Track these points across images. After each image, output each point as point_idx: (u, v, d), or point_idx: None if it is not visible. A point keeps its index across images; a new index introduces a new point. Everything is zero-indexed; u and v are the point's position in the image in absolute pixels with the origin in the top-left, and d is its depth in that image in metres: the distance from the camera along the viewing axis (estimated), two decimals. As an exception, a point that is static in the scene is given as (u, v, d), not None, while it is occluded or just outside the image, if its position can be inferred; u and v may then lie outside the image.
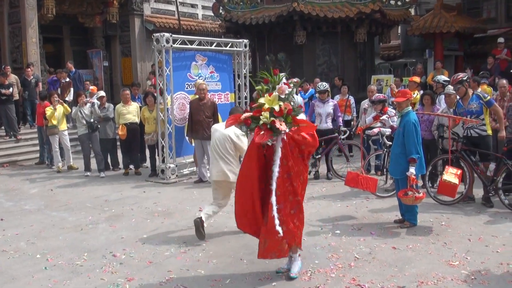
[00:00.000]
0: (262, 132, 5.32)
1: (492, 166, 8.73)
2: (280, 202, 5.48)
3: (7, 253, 6.88)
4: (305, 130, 5.56)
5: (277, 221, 5.38)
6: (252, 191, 5.67)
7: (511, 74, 12.41)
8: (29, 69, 16.46)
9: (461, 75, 8.79)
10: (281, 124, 5.24)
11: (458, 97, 8.70)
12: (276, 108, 5.31)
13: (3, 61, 18.18)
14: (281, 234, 5.37)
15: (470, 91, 8.76)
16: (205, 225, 7.01)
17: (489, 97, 8.57)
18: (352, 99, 13.03)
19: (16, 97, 15.69)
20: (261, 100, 5.45)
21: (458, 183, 7.95)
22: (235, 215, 6.01)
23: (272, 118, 5.29)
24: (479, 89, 10.42)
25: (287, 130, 5.36)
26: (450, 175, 7.92)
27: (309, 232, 7.26)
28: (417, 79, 11.99)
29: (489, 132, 8.55)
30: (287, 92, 5.44)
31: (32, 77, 16.38)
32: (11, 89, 15.03)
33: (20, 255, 6.79)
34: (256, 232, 5.82)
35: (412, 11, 22.41)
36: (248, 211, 5.79)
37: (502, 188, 8.17)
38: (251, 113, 5.46)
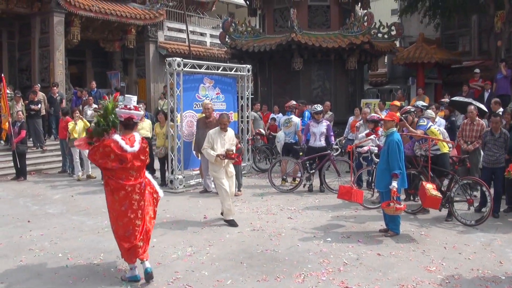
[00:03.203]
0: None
1: (446, 181, 8.90)
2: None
3: (33, 251, 6.86)
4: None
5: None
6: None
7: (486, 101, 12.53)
8: (55, 88, 16.54)
9: (408, 107, 9.70)
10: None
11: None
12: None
13: (33, 80, 18.27)
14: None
15: (416, 120, 9.25)
16: None
17: (421, 123, 8.97)
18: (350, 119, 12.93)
19: (43, 112, 15.73)
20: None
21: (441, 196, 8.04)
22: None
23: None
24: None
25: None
26: (433, 189, 7.93)
27: (302, 239, 7.27)
28: (397, 103, 12.04)
29: (444, 150, 8.75)
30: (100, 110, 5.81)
31: (57, 95, 16.45)
32: (39, 105, 15.10)
33: (45, 254, 6.77)
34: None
35: (397, 43, 22.51)
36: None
37: (454, 201, 8.28)
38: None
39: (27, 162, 13.42)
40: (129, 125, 5.75)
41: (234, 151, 8.25)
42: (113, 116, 5.73)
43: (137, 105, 5.92)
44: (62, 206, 9.76)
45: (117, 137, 5.61)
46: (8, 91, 14.91)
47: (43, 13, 18.17)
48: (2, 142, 15.19)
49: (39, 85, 16.80)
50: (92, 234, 7.61)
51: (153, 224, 6.05)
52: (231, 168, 8.34)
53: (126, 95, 6.03)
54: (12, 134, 12.92)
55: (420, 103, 10.87)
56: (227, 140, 8.30)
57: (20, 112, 13.50)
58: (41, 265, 6.29)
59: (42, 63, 18.47)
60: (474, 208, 8.59)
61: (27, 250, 6.92)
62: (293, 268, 6.05)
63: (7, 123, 13.53)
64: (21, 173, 12.96)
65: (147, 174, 6.07)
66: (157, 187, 6.17)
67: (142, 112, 6.03)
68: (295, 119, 11.92)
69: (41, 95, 15.80)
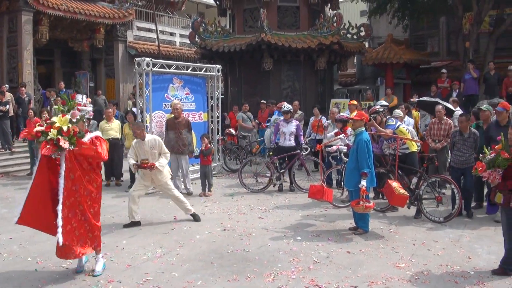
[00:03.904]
0: (48, 146, 5.50)
1: (414, 179, 9.03)
2: (70, 211, 5.66)
3: (2, 256, 6.72)
4: (86, 151, 5.73)
5: (60, 229, 5.52)
6: (45, 199, 5.78)
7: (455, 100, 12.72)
8: (23, 88, 16.24)
9: (377, 107, 9.69)
10: (64, 143, 5.48)
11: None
12: (65, 128, 5.54)
13: (1, 81, 17.88)
14: (61, 241, 5.51)
15: (384, 119, 9.32)
16: None
17: (389, 123, 9.09)
18: (324, 119, 12.98)
19: (11, 113, 15.40)
20: (54, 119, 5.64)
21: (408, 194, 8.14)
22: (22, 213, 5.74)
23: (58, 136, 5.49)
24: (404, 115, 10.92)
25: (70, 148, 5.57)
26: (399, 188, 8.02)
27: (273, 238, 7.28)
28: (355, 102, 12.30)
29: (412, 149, 8.92)
30: (78, 117, 5.77)
31: (25, 95, 16.14)
32: (7, 106, 14.77)
33: (14, 258, 6.64)
34: (43, 228, 5.92)
35: (366, 44, 22.76)
36: (39, 215, 5.80)
37: (423, 199, 8.41)
38: (43, 128, 5.57)
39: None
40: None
41: (150, 161, 8.07)
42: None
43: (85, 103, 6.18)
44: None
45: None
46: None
47: (11, 12, 17.83)
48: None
49: (7, 85, 16.44)
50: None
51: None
52: (161, 176, 8.19)
53: (77, 95, 6.29)
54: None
55: (380, 102, 11.00)
56: (148, 148, 8.18)
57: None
58: (10, 270, 6.16)
59: (10, 63, 18.12)
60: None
61: (-6, 255, 6.77)
62: (264, 267, 6.04)
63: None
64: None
65: None
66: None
67: (88, 109, 6.19)
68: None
69: (9, 96, 15.46)
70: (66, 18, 18.85)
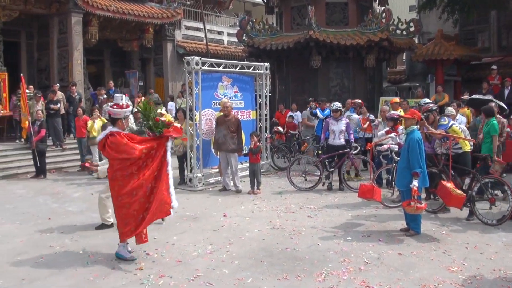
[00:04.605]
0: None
1: (467, 180, 8.76)
2: None
3: (54, 248, 6.92)
4: None
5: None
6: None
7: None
8: (74, 87, 16.69)
9: (430, 105, 9.36)
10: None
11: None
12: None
13: (52, 80, 18.41)
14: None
15: (438, 118, 9.03)
16: None
17: (442, 122, 8.79)
18: (372, 117, 12.86)
19: (62, 111, 15.87)
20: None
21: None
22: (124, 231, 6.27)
23: None
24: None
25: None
26: (455, 189, 7.84)
27: (323, 237, 7.24)
28: (397, 99, 12.10)
29: (465, 149, 8.63)
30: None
31: (76, 94, 16.58)
32: (58, 105, 15.25)
33: (65, 251, 6.83)
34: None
35: (416, 39, 22.31)
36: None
37: (475, 200, 8.17)
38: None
39: (47, 160, 13.56)
40: (113, 121, 6.47)
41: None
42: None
43: (122, 103, 6.50)
44: (82, 204, 9.83)
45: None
46: (28, 91, 15.09)
47: (61, 14, 18.31)
48: (22, 140, 15.40)
49: (58, 84, 16.93)
50: (112, 232, 7.58)
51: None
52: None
53: (115, 95, 6.74)
54: (32, 133, 13.05)
55: (424, 100, 10.79)
56: None
57: (40, 111, 13.62)
58: (62, 262, 6.34)
59: (60, 63, 18.62)
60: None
61: (47, 247, 6.98)
62: (314, 267, 6.02)
63: (27, 122, 13.71)
64: (41, 171, 13.11)
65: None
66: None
67: (123, 110, 6.45)
68: (355, 117, 12.28)
69: (60, 95, 15.95)
70: (115, 18, 19.24)
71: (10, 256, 6.62)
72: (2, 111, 16.47)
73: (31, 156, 13.37)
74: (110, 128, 6.38)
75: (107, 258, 6.44)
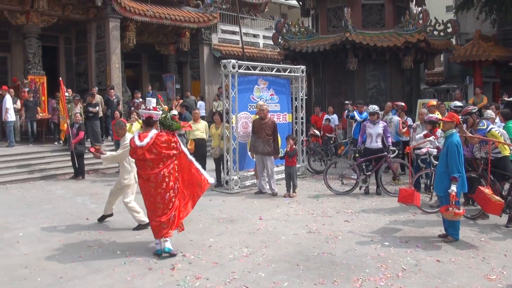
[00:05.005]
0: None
1: (507, 185, 8.51)
2: None
3: (92, 248, 7.06)
4: None
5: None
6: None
7: None
8: (112, 91, 16.97)
9: (470, 107, 9.11)
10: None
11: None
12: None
13: (90, 84, 18.81)
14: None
15: (477, 121, 8.78)
16: None
17: (480, 126, 8.52)
18: (410, 121, 12.70)
19: (101, 114, 16.16)
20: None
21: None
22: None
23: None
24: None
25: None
26: (493, 195, 7.66)
27: (359, 242, 7.17)
28: (434, 102, 11.87)
29: (505, 153, 8.40)
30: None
31: (114, 97, 16.86)
32: (97, 108, 15.52)
33: (103, 250, 6.96)
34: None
35: (454, 40, 21.91)
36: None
37: None
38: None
39: (85, 162, 13.80)
40: (149, 123, 6.75)
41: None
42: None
43: (156, 106, 6.87)
44: (119, 204, 9.88)
45: (135, 134, 6.76)
46: (67, 94, 15.42)
47: (99, 19, 18.74)
48: (61, 142, 15.77)
49: (96, 88, 17.26)
50: (149, 232, 7.63)
51: (185, 214, 7.01)
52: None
53: (147, 98, 7.12)
54: (71, 135, 13.30)
55: (455, 103, 10.58)
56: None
57: (78, 114, 13.87)
58: (100, 262, 6.46)
59: (98, 67, 19.02)
60: None
61: (85, 247, 7.13)
62: (351, 272, 5.96)
63: (65, 125, 14.00)
64: (79, 172, 13.35)
65: (197, 165, 7.07)
66: (205, 175, 7.17)
67: (160, 112, 6.84)
68: (395, 119, 12.19)
69: (98, 98, 16.25)
70: (152, 23, 19.54)
71: (49, 255, 6.79)
72: (41, 114, 16.95)
73: (69, 158, 13.64)
74: (154, 131, 6.71)
75: (144, 259, 6.52)
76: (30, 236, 7.77)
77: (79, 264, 6.41)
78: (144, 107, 6.98)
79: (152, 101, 6.90)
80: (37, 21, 17.35)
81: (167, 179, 6.62)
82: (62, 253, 6.86)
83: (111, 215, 8.66)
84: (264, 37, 26.26)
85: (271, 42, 22.74)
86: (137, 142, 6.56)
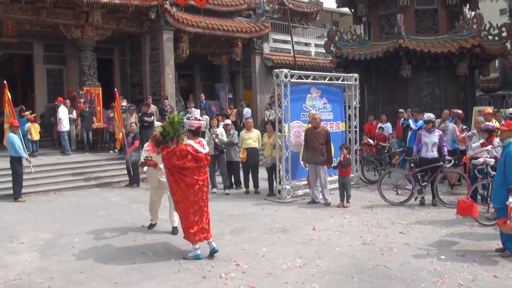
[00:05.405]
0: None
1: None
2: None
3: (147, 255, 7.16)
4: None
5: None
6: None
7: None
8: (166, 101, 17.25)
9: None
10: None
11: None
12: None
13: (145, 94, 19.21)
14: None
15: None
16: None
17: None
18: (464, 128, 12.39)
19: (155, 124, 16.43)
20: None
21: None
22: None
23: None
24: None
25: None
26: None
27: (415, 255, 6.98)
28: (489, 110, 11.46)
29: None
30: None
31: (168, 107, 17.13)
32: (152, 117, 15.80)
33: (158, 257, 7.05)
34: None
35: (508, 45, 21.22)
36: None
37: None
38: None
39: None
40: (198, 132, 7.13)
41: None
42: (177, 128, 7.07)
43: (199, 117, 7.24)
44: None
45: (191, 142, 6.94)
46: (123, 104, 15.80)
47: (152, 31, 19.17)
48: (116, 151, 16.16)
49: (150, 98, 17.60)
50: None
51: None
52: (163, 178, 7.95)
53: (192, 109, 7.31)
54: (126, 144, 13.59)
55: (509, 111, 10.20)
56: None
57: (134, 124, 14.17)
58: (154, 268, 6.55)
59: (153, 78, 19.42)
60: None
61: (140, 253, 7.25)
62: (406, 286, 5.82)
63: (121, 134, 14.34)
64: (134, 180, 13.61)
65: None
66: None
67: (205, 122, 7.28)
68: (451, 126, 12.05)
69: (153, 108, 16.54)
70: (205, 34, 19.81)
71: (104, 261, 6.94)
72: (96, 124, 17.45)
73: (124, 166, 13.98)
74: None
75: (198, 267, 6.56)
76: (85, 242, 7.97)
77: (133, 270, 6.52)
78: (188, 116, 7.21)
79: (197, 112, 7.31)
80: (92, 34, 17.90)
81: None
82: (117, 259, 7.00)
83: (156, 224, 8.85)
84: (316, 45, 26.18)
85: (322, 50, 22.67)
86: (201, 149, 6.96)
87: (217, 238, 7.86)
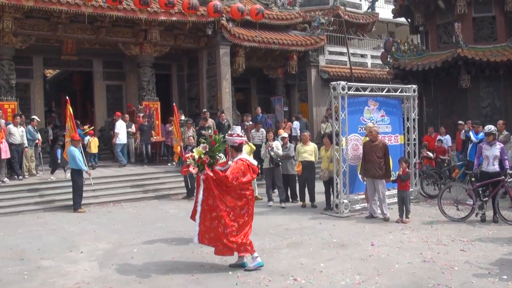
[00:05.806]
0: (186, 169, 7.06)
1: None
2: (211, 222, 6.99)
3: (204, 267, 7.24)
4: (216, 175, 6.88)
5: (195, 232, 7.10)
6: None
7: None
8: (223, 114, 17.46)
9: None
10: (193, 168, 6.86)
11: None
12: (196, 157, 6.93)
13: (201, 108, 19.49)
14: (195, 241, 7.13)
15: None
16: None
17: None
18: None
19: (213, 137, 16.63)
20: (194, 150, 7.18)
21: None
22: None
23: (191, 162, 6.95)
24: None
25: (198, 173, 6.94)
26: None
27: (476, 274, 6.73)
28: None
29: None
30: (207, 149, 7.00)
31: (225, 120, 17.31)
32: (210, 131, 15.93)
33: (215, 270, 7.10)
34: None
35: None
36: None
37: None
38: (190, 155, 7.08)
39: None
40: (240, 148, 7.32)
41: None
42: (219, 149, 7.24)
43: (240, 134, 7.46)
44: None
45: (245, 156, 7.30)
46: (182, 118, 16.07)
47: (209, 47, 19.52)
48: (174, 164, 16.45)
49: (208, 111, 17.82)
50: (260, 255, 7.58)
51: None
52: None
53: (233, 126, 7.41)
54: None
55: None
56: None
57: (191, 137, 14.40)
58: (211, 281, 6.60)
59: (210, 92, 19.71)
60: None
61: (198, 265, 7.33)
62: (469, 306, 5.64)
63: (179, 147, 14.58)
64: (191, 193, 13.71)
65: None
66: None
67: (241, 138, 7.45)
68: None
69: (210, 121, 16.76)
70: (261, 48, 19.94)
71: (162, 272, 7.06)
72: (155, 137, 17.83)
73: (182, 179, 14.16)
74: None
75: (255, 281, 6.56)
76: (144, 253, 8.14)
77: (192, 282, 6.60)
78: (231, 133, 7.50)
79: (238, 128, 7.66)
80: (150, 51, 18.36)
81: None
82: (175, 270, 7.10)
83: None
84: (372, 56, 25.88)
85: (379, 62, 22.44)
86: (255, 162, 7.36)
87: (274, 252, 7.90)
